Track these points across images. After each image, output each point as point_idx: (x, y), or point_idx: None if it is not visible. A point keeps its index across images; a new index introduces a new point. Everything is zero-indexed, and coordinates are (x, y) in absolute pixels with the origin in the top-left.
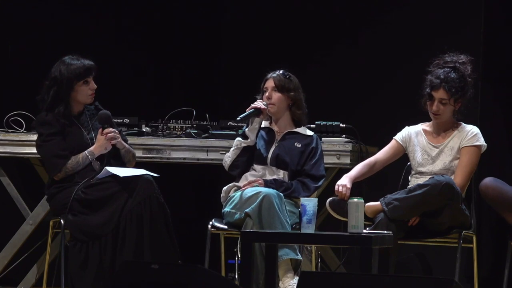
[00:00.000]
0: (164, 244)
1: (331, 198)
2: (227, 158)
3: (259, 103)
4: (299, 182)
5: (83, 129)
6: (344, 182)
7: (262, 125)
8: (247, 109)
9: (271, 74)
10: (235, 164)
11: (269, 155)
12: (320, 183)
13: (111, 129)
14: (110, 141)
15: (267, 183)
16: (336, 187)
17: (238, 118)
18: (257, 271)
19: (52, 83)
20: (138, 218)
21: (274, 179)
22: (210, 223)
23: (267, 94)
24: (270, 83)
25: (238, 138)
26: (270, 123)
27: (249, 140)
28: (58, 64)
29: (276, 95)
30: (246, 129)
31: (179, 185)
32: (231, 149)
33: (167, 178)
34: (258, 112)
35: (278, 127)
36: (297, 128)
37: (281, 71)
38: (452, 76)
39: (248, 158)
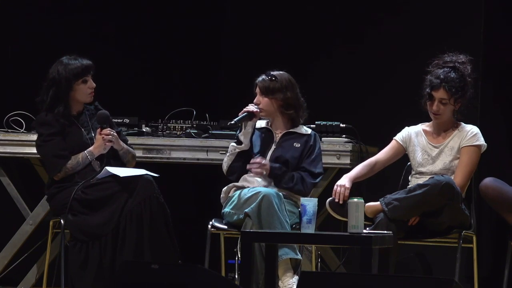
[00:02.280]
0: (164, 244)
1: (331, 198)
2: (224, 163)
3: (251, 107)
4: (299, 175)
5: (82, 129)
6: (343, 182)
7: (260, 126)
8: (239, 113)
9: (258, 78)
10: (231, 170)
11: (268, 157)
12: (317, 180)
13: (108, 130)
14: (106, 142)
15: (273, 169)
16: (335, 187)
17: (232, 122)
18: (257, 271)
19: (51, 83)
20: (138, 218)
21: (279, 166)
22: (210, 223)
23: (255, 100)
24: (257, 88)
25: (232, 144)
26: (268, 123)
27: (242, 144)
28: (56, 64)
29: (264, 100)
30: (239, 134)
31: (179, 185)
32: (226, 154)
33: (167, 178)
34: (250, 115)
35: (275, 128)
36: (294, 128)
37: (267, 73)
38: (452, 76)
39: (244, 162)
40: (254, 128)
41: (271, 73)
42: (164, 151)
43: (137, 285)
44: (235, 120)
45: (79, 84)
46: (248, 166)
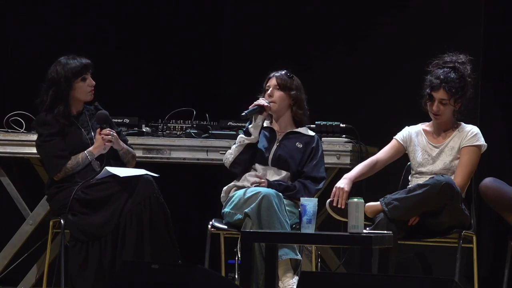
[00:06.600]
0: (164, 244)
1: (330, 199)
2: (229, 155)
3: (262, 101)
4: (301, 184)
5: (82, 129)
6: (342, 184)
7: (263, 125)
8: (250, 106)
9: (273, 73)
10: (237, 162)
11: (270, 155)
12: (321, 185)
13: (107, 130)
14: (106, 142)
15: (271, 185)
16: (334, 189)
17: (242, 114)
18: (257, 271)
19: (50, 84)
20: (138, 218)
21: (279, 183)
22: (210, 223)
23: (269, 92)
24: (272, 82)
25: (241, 135)
26: (271, 122)
27: (252, 137)
28: (54, 65)
29: (278, 93)
30: (249, 126)
31: (179, 185)
32: (233, 146)
33: (167, 178)
34: (261, 109)
35: (279, 126)
36: (299, 128)
37: (283, 71)
38: (452, 76)
39: (251, 156)
40: (263, 122)
41: (288, 71)
42: (164, 151)
43: (137, 285)
44: (245, 112)
45: (78, 83)
46: (251, 184)
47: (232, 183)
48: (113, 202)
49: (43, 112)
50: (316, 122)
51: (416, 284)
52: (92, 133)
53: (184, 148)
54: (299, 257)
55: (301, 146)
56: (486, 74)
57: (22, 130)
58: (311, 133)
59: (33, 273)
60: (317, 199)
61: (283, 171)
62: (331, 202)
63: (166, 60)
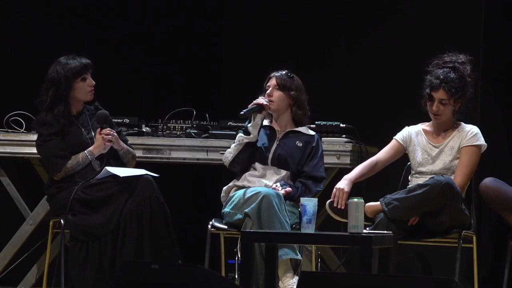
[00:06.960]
0: (164, 244)
1: (330, 200)
2: (228, 154)
3: (261, 100)
4: (302, 184)
5: (82, 129)
6: (342, 185)
7: (263, 124)
8: (249, 105)
9: (274, 73)
10: (236, 161)
11: (270, 155)
12: (321, 186)
13: (107, 130)
14: (106, 142)
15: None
16: (334, 190)
17: (241, 113)
18: (257, 271)
19: (50, 84)
20: (138, 218)
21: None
22: (210, 223)
23: (268, 91)
24: (272, 82)
25: (240, 134)
26: (271, 121)
27: (251, 136)
28: (54, 65)
29: (278, 93)
30: (248, 125)
31: (179, 185)
32: (233, 145)
33: (167, 178)
34: (260, 108)
35: (279, 126)
36: (299, 128)
37: (284, 71)
38: (452, 76)
39: (250, 155)
40: (263, 121)
41: (289, 72)
42: (164, 151)
43: (137, 285)
44: (244, 111)
45: (78, 83)
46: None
47: (232, 182)
48: (113, 202)
49: (43, 112)
50: (316, 122)
51: (416, 284)
52: (92, 133)
53: (184, 148)
54: (299, 257)
55: (301, 145)
56: (486, 74)
57: (22, 130)
58: (311, 132)
59: (33, 273)
60: (317, 199)
61: (282, 171)
62: (331, 202)
63: (166, 60)
